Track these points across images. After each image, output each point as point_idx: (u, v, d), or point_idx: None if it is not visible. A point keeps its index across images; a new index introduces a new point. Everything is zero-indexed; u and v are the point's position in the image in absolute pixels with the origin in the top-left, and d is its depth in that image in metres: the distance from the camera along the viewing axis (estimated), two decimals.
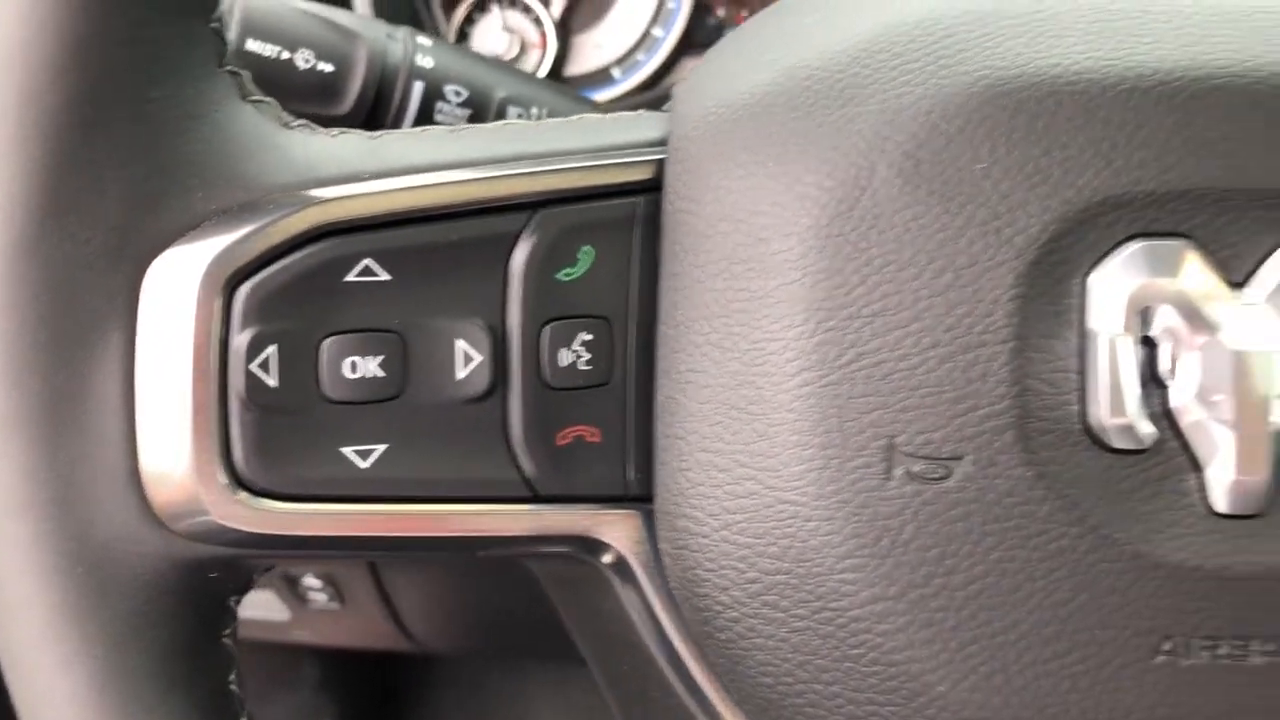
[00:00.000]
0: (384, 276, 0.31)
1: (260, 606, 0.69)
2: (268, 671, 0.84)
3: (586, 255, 0.32)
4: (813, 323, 0.29)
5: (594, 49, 0.72)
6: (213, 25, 0.32)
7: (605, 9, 0.72)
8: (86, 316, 0.30)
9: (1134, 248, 0.28)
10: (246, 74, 0.33)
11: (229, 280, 0.30)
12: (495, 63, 0.52)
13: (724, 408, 0.30)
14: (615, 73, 0.73)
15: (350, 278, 0.31)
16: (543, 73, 0.70)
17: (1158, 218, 0.28)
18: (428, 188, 0.31)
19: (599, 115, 0.35)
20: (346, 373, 0.31)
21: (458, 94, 0.48)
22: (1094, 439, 0.28)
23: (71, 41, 0.28)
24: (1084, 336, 0.29)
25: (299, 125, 0.33)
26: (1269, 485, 0.28)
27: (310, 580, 0.82)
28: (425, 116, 0.48)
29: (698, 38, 0.72)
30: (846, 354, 0.29)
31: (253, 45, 0.45)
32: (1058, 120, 0.28)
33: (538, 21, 0.71)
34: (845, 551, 0.29)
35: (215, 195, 0.30)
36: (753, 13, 0.70)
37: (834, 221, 0.29)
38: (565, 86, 0.61)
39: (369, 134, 0.33)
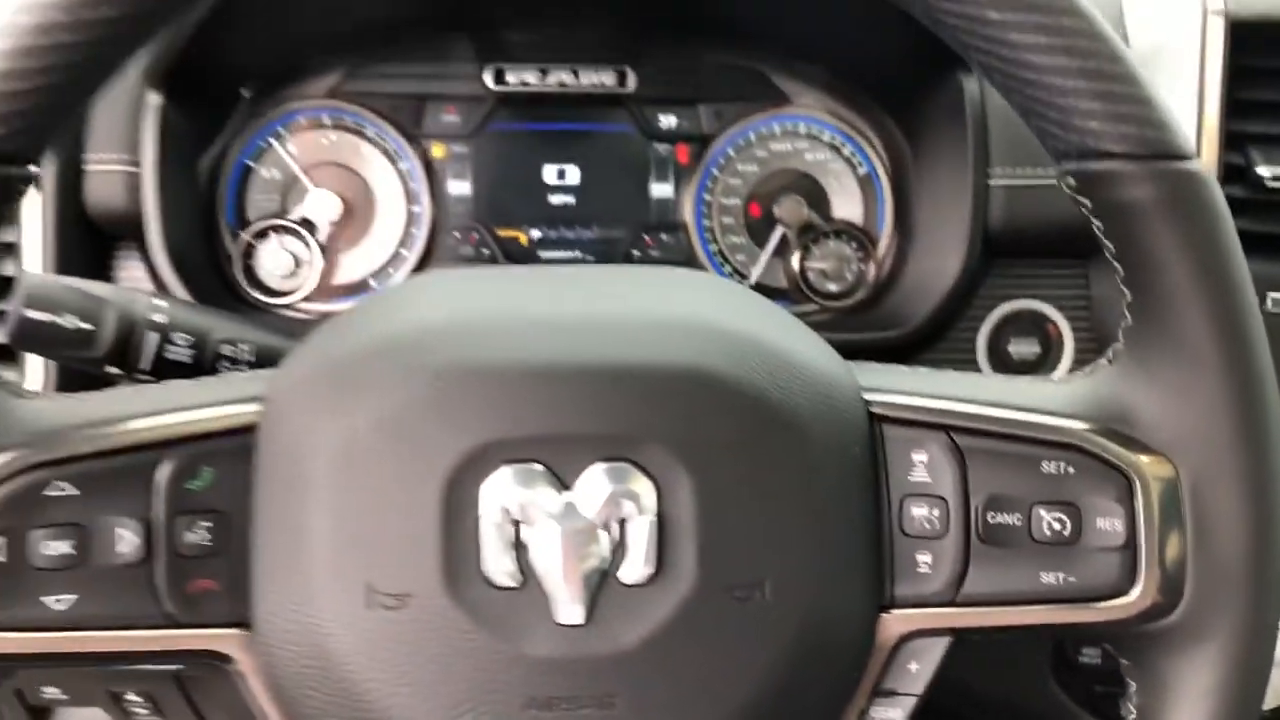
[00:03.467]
0: (70, 493, 0.47)
1: None
2: None
3: (208, 472, 0.48)
4: (330, 516, 0.46)
5: (355, 264, 0.91)
6: None
7: (363, 235, 0.91)
8: None
9: (505, 470, 0.46)
10: None
11: None
12: (215, 312, 0.68)
13: (286, 569, 0.47)
14: (372, 282, 0.91)
15: (47, 496, 0.47)
16: (312, 284, 0.88)
17: (518, 452, 0.46)
18: (96, 438, 0.47)
19: (223, 376, 0.56)
20: (48, 551, 0.47)
21: (184, 338, 0.65)
22: (487, 581, 0.46)
23: None
24: (478, 520, 0.46)
25: (28, 392, 0.50)
26: (585, 609, 0.45)
27: (131, 696, 0.95)
28: (160, 354, 0.64)
29: (437, 255, 0.92)
30: (346, 533, 0.46)
31: (30, 314, 0.61)
32: (464, 394, 0.46)
33: (309, 244, 0.89)
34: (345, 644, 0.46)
35: None
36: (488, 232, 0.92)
37: (340, 453, 0.46)
38: (265, 324, 0.74)
39: (74, 396, 0.50)
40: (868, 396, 0.50)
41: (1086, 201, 0.49)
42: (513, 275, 0.54)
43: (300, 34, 0.85)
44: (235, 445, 0.48)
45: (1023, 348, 0.85)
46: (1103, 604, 0.49)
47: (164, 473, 0.47)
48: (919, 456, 0.50)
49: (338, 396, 0.47)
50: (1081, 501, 0.49)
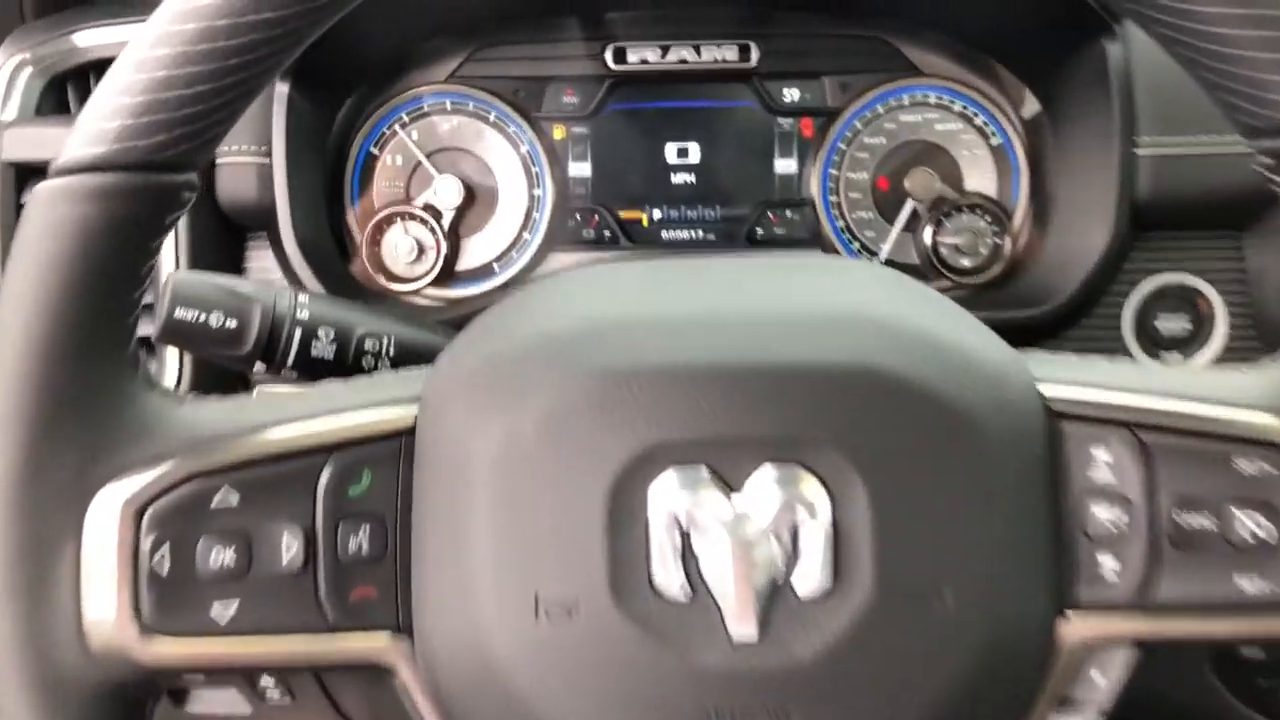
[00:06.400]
0: (235, 501, 0.47)
1: (224, 704, 0.79)
2: None
3: (367, 476, 0.47)
4: (493, 521, 0.45)
5: (479, 249, 0.90)
6: (130, 351, 0.48)
7: (486, 219, 0.90)
8: (53, 529, 0.46)
9: (672, 473, 0.44)
10: (148, 370, 0.49)
11: (139, 508, 0.46)
12: (358, 306, 0.67)
13: (449, 577, 0.46)
14: (496, 267, 0.90)
15: (213, 504, 0.47)
16: (436, 270, 0.87)
17: (685, 455, 0.44)
18: (260, 444, 0.47)
19: (376, 377, 0.53)
20: (214, 560, 0.47)
21: (327, 334, 0.64)
22: (656, 592, 0.44)
23: (45, 383, 0.45)
24: (647, 527, 0.44)
25: (186, 398, 0.50)
26: (758, 623, 0.43)
27: (266, 679, 0.94)
28: (305, 350, 0.63)
29: (559, 238, 0.90)
30: (511, 540, 0.44)
31: (179, 313, 0.61)
32: (629, 395, 0.44)
33: (434, 230, 0.88)
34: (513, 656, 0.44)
35: (131, 455, 0.47)
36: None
37: (502, 455, 0.45)
38: (414, 315, 0.76)
39: (230, 400, 0.50)
40: (1043, 390, 0.48)
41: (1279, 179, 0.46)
42: (668, 268, 0.53)
43: (422, 20, 0.84)
44: (393, 448, 0.47)
45: (1171, 324, 0.82)
46: None
47: (326, 478, 0.47)
48: (1101, 454, 0.47)
49: (498, 397, 0.46)
50: None
